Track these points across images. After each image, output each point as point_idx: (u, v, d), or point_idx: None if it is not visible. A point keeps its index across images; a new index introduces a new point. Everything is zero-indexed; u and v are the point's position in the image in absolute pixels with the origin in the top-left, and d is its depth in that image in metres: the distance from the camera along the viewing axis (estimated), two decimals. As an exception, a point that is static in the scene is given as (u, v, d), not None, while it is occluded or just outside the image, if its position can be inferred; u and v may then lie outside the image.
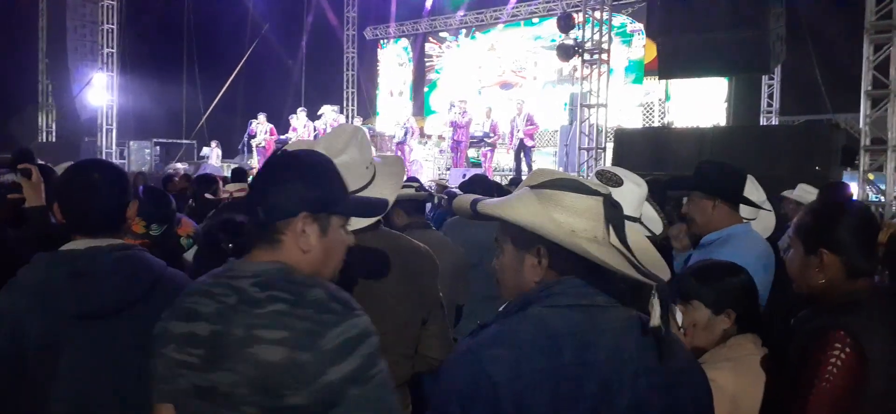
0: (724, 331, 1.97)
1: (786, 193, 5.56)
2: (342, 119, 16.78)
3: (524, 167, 13.34)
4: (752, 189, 3.25)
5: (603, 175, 2.31)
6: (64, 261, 1.77)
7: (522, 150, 13.41)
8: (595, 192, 1.29)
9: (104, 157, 15.40)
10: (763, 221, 3.19)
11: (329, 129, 14.81)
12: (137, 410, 1.80)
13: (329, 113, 16.07)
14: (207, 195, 4.65)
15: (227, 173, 10.01)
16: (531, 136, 13.53)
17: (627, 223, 1.33)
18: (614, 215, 1.28)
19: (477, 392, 1.21)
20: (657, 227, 2.40)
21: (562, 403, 1.20)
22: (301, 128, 16.03)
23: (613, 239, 1.27)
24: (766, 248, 2.68)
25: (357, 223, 1.87)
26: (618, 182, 2.26)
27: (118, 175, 1.92)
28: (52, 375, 1.73)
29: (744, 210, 2.87)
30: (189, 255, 2.89)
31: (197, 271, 2.47)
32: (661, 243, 2.45)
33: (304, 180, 1.39)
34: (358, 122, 17.30)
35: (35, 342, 1.71)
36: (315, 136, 15.69)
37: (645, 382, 1.24)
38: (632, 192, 2.27)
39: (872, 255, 1.80)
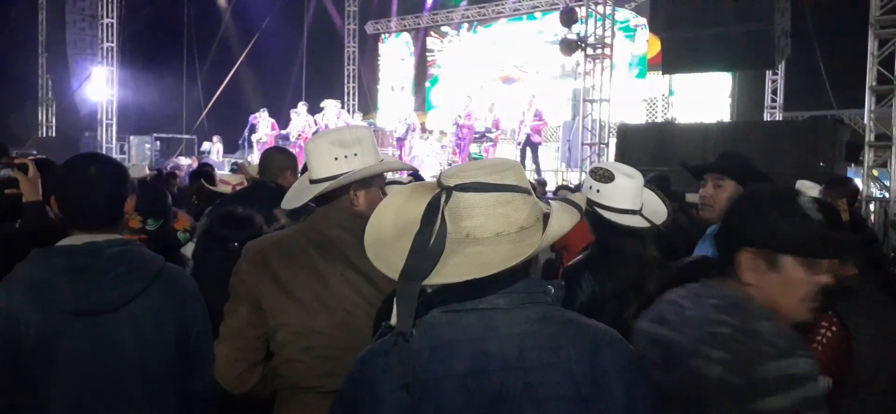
0: None
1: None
2: (345, 113, 16.72)
3: (530, 163, 13.25)
4: None
5: (595, 172, 2.31)
6: (61, 256, 1.75)
7: (528, 146, 13.31)
8: (439, 184, 1.20)
9: (104, 152, 15.39)
10: None
11: (330, 124, 14.81)
12: (134, 404, 1.81)
13: (331, 107, 16.04)
14: (212, 188, 4.62)
15: (227, 169, 9.99)
16: (539, 132, 13.40)
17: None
18: (429, 208, 1.16)
19: (358, 401, 1.17)
20: (662, 217, 2.37)
21: None
22: (302, 122, 15.98)
23: (419, 232, 1.15)
24: None
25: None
26: (609, 178, 2.25)
27: (116, 169, 1.91)
28: (50, 371, 1.72)
29: None
30: (187, 250, 2.85)
31: (199, 266, 2.43)
32: (670, 230, 2.43)
33: (744, 215, 1.47)
34: (358, 117, 17.26)
35: (33, 338, 1.70)
36: (315, 131, 15.68)
37: (546, 394, 1.13)
38: (624, 186, 2.26)
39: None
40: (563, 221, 1.21)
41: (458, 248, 1.15)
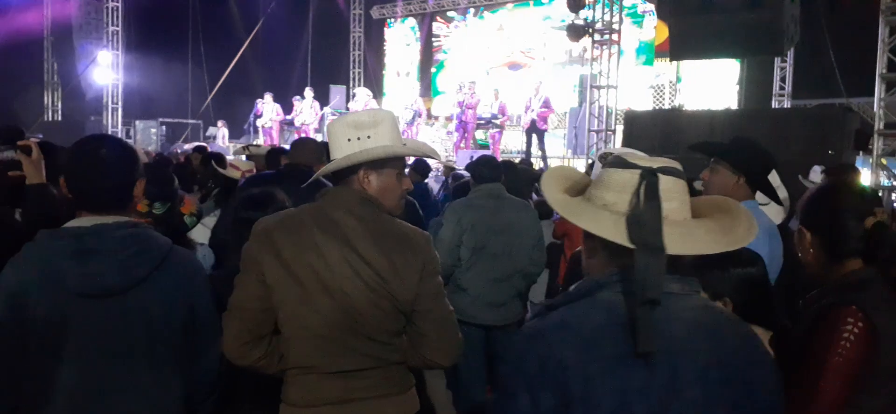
0: None
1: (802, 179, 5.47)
2: (372, 101, 16.72)
3: (536, 150, 13.21)
4: (773, 175, 3.21)
5: (604, 158, 2.30)
6: (70, 238, 1.75)
7: (534, 132, 13.27)
8: (634, 166, 1.25)
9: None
10: (775, 207, 3.15)
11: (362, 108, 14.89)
12: (140, 387, 1.82)
13: (361, 95, 16.25)
14: (222, 171, 4.65)
15: (232, 154, 9.97)
16: (545, 120, 13.36)
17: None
18: (648, 187, 1.21)
19: (545, 375, 1.20)
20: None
21: (630, 393, 1.18)
22: (307, 109, 15.97)
23: (640, 209, 1.20)
24: (771, 225, 2.66)
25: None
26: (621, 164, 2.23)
27: (127, 151, 1.90)
28: (58, 353, 1.72)
29: (758, 195, 2.84)
30: (197, 235, 2.86)
31: (233, 250, 2.43)
32: None
33: None
34: (374, 103, 17.20)
35: (41, 319, 1.70)
36: (321, 118, 15.69)
37: (716, 376, 1.19)
38: None
39: (851, 240, 1.77)
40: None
41: (665, 227, 1.20)
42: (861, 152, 9.35)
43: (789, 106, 13.36)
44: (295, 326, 1.89)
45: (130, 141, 16.20)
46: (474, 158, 4.74)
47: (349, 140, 1.91)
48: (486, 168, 4.03)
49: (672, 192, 1.24)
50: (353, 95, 16.36)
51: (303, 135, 15.88)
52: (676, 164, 1.28)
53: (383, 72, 21.31)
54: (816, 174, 5.43)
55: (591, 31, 12.27)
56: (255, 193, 2.49)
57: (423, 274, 1.93)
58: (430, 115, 17.20)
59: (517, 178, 4.89)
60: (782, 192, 3.21)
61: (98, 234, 1.75)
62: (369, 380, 1.92)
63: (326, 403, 1.90)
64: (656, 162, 1.26)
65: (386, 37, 21.31)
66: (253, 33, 18.16)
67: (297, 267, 1.85)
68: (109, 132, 15.81)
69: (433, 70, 20.09)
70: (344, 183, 1.94)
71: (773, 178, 3.18)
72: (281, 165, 4.73)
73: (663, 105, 15.25)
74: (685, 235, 1.22)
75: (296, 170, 3.68)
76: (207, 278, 2.01)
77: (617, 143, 11.76)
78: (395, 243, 1.91)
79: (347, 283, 1.86)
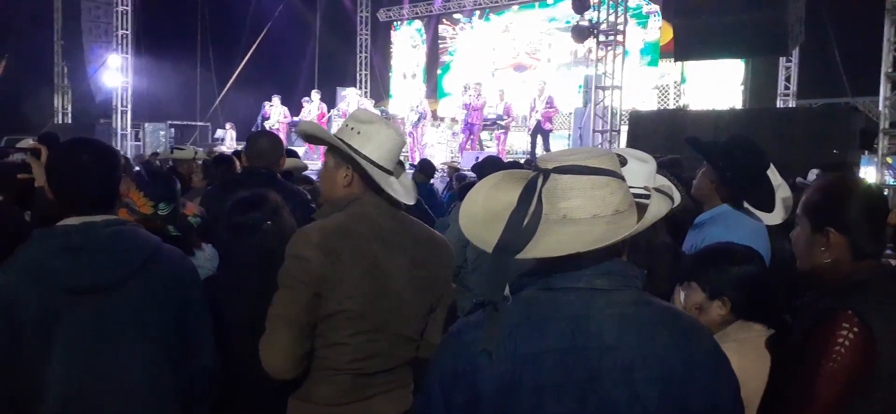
0: (720, 317, 1.94)
1: (799, 180, 5.46)
2: (365, 100, 16.76)
3: (541, 151, 13.23)
4: (770, 174, 3.17)
5: None
6: (59, 236, 1.77)
7: (539, 133, 13.29)
8: (538, 169, 1.24)
9: (119, 139, 15.54)
10: (776, 211, 3.13)
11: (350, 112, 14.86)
12: (133, 385, 1.83)
13: (352, 95, 16.22)
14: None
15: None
16: (550, 120, 13.37)
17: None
18: (532, 187, 1.21)
19: (458, 373, 1.21)
20: (675, 201, 2.38)
21: (545, 390, 1.16)
22: (314, 110, 16.02)
23: (520, 210, 1.20)
24: (755, 227, 2.61)
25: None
26: (621, 162, 2.24)
27: (108, 155, 1.90)
28: (48, 350, 1.73)
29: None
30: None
31: (231, 255, 2.45)
32: (679, 217, 2.43)
33: None
34: (370, 104, 17.27)
35: (31, 318, 1.71)
36: (328, 119, 15.75)
37: (642, 375, 1.15)
38: (636, 170, 2.24)
39: (880, 237, 1.76)
40: (660, 206, 1.25)
41: (554, 227, 1.17)
42: (866, 151, 9.34)
43: (794, 106, 13.33)
44: (346, 332, 1.88)
45: (140, 143, 16.34)
46: (480, 159, 4.77)
47: (398, 157, 2.02)
48: (492, 169, 4.05)
49: (573, 191, 1.19)
50: (343, 96, 16.26)
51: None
52: (591, 163, 1.21)
53: (390, 74, 21.33)
54: (813, 176, 5.44)
55: (595, 32, 12.29)
56: (247, 196, 2.43)
57: (451, 272, 2.09)
58: (435, 117, 17.22)
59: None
60: (783, 192, 3.16)
61: (86, 231, 1.77)
62: (397, 375, 2.00)
63: (355, 400, 1.94)
64: (572, 160, 1.21)
65: (392, 39, 21.34)
66: (261, 36, 18.25)
67: (359, 274, 1.86)
68: (119, 135, 15.92)
69: (439, 72, 20.10)
70: (379, 193, 1.97)
71: (772, 175, 3.15)
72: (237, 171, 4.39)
73: (668, 105, 15.21)
74: (572, 235, 1.17)
75: (255, 173, 3.38)
76: (197, 275, 2.02)
77: (622, 144, 11.76)
78: (430, 245, 2.03)
79: (404, 285, 1.92)
